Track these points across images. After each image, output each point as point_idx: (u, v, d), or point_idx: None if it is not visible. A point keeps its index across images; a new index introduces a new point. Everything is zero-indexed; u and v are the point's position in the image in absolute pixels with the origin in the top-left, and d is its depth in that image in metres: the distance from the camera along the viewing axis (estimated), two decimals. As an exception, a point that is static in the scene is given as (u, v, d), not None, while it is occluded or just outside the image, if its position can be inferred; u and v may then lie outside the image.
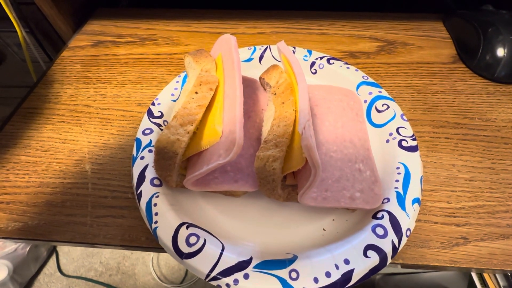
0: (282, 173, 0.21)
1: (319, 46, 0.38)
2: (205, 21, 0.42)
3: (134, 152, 0.24)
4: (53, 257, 0.83)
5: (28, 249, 0.76)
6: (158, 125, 0.26)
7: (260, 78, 0.27)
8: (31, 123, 0.31)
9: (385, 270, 0.62)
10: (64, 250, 0.85)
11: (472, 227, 0.23)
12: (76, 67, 0.37)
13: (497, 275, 0.43)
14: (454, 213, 0.24)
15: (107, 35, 0.41)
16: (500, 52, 0.33)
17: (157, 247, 0.22)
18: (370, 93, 0.29)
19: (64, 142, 0.29)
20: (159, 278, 0.79)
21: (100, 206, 0.25)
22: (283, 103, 0.23)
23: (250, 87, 0.28)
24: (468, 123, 0.30)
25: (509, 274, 0.39)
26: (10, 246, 0.74)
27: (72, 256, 0.84)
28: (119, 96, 0.33)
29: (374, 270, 0.19)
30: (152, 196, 0.22)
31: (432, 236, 0.23)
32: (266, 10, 0.43)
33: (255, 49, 0.33)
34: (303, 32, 0.41)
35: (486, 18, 0.35)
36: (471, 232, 0.23)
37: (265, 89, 0.28)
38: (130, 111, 0.32)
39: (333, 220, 0.23)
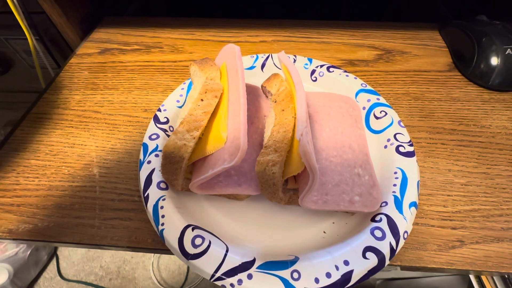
0: (283, 177, 0.22)
1: (319, 54, 0.40)
2: (208, 30, 0.44)
3: (141, 157, 0.25)
4: (53, 261, 0.83)
5: (28, 252, 0.76)
6: (164, 130, 0.27)
7: (262, 86, 0.28)
8: (40, 128, 0.32)
9: (385, 275, 0.62)
10: (65, 254, 0.85)
11: (468, 230, 0.24)
12: (84, 74, 0.38)
13: (496, 281, 0.43)
14: (450, 216, 0.25)
15: (114, 42, 0.42)
16: (494, 61, 0.35)
17: (163, 249, 0.23)
18: (369, 100, 0.30)
19: (72, 146, 0.30)
20: (159, 282, 0.79)
21: (107, 209, 0.25)
22: (283, 110, 0.24)
23: (252, 94, 0.29)
24: (464, 129, 0.31)
25: (506, 276, 0.39)
26: (11, 250, 0.74)
27: (72, 260, 0.84)
28: (126, 102, 0.34)
29: (372, 271, 0.20)
30: (158, 199, 0.23)
31: (429, 239, 0.23)
32: (267, 19, 0.45)
33: (257, 57, 0.35)
34: (303, 40, 0.42)
35: (480, 28, 0.36)
36: (467, 235, 0.24)
37: (266, 97, 0.29)
38: (137, 116, 0.33)
39: (333, 223, 0.24)
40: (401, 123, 0.27)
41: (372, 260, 0.20)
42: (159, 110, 0.29)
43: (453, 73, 0.37)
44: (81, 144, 0.30)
